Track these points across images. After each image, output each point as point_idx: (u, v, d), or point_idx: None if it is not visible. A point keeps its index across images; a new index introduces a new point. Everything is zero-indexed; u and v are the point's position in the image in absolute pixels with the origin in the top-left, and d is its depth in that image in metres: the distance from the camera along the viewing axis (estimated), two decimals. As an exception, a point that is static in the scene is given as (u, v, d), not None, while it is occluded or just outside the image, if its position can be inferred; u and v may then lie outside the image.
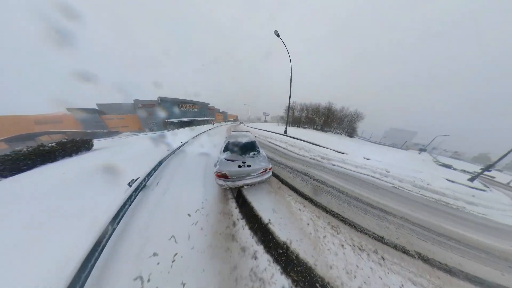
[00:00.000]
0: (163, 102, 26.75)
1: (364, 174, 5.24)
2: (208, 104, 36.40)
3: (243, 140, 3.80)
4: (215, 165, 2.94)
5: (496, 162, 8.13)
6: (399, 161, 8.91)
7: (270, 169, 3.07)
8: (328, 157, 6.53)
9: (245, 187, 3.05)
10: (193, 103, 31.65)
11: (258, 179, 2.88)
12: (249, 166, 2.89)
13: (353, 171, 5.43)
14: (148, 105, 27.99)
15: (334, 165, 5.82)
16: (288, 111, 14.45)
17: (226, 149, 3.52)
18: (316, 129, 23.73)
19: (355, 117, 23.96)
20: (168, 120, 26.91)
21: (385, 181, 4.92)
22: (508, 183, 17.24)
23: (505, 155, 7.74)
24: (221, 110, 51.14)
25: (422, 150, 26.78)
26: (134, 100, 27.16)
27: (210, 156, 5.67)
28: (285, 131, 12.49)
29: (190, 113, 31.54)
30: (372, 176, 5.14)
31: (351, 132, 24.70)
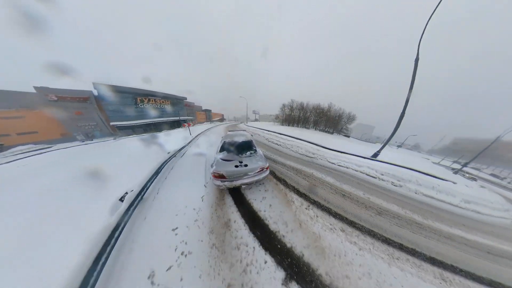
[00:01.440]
0: (105, 93, 16.56)
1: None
2: (185, 98, 26.55)
3: (240, 139, 3.62)
4: (212, 166, 2.80)
5: (476, 156, 10.65)
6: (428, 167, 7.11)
7: (267, 168, 3.00)
8: (473, 203, 4.05)
9: (243, 186, 2.95)
10: (158, 96, 21.44)
11: (256, 178, 2.79)
12: (246, 165, 2.77)
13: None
14: (70, 98, 16.38)
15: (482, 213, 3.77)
16: (407, 102, 6.34)
17: (222, 149, 3.33)
18: (320, 130, 21.53)
19: (349, 118, 24.35)
20: (115, 124, 17.05)
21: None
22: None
23: (485, 149, 10.44)
24: (203, 108, 39.91)
25: (398, 146, 29.86)
26: (36, 88, 15.19)
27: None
28: (376, 155, 7.01)
29: (158, 111, 21.78)
30: None
31: (345, 132, 25.08)
